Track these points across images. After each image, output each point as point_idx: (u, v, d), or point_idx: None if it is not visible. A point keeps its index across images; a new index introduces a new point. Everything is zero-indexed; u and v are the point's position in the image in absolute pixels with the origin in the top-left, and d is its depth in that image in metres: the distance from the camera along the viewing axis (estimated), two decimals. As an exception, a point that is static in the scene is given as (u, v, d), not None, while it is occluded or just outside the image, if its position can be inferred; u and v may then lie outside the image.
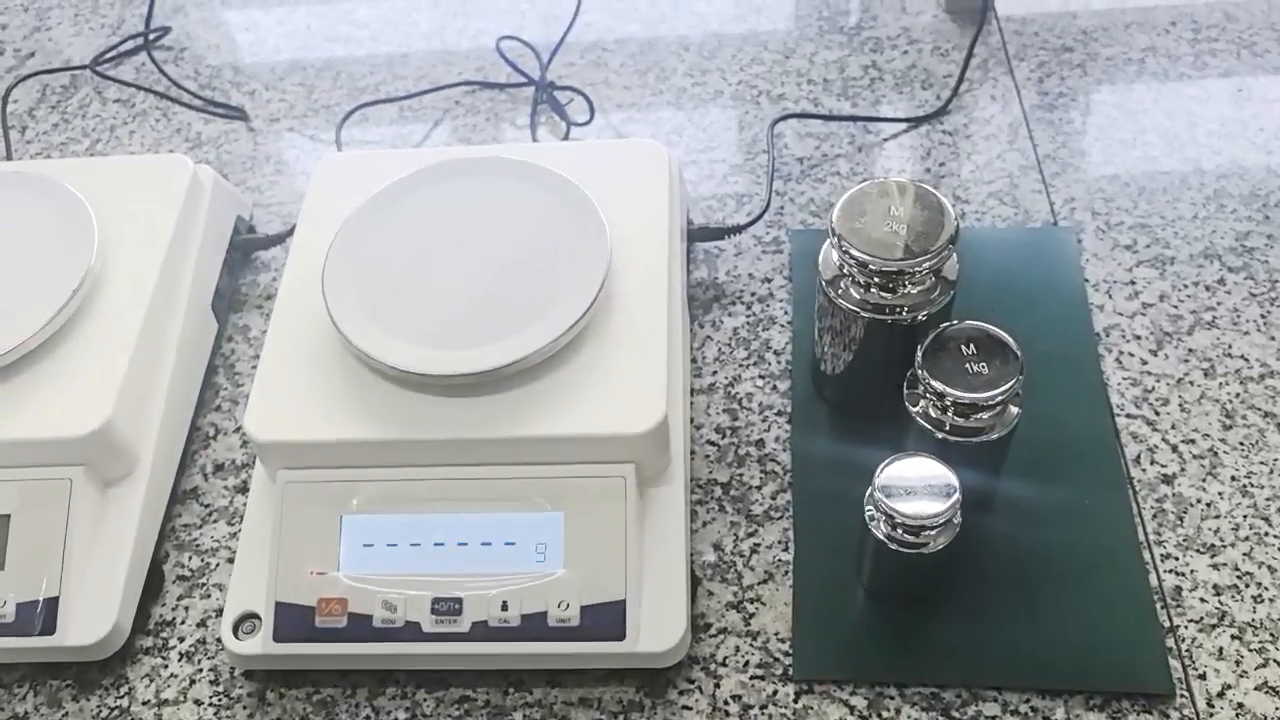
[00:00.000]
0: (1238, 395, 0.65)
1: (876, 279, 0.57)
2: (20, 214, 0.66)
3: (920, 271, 0.56)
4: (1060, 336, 0.68)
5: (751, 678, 0.57)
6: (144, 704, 0.58)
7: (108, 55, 0.94)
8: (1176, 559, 0.59)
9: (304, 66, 0.92)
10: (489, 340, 0.57)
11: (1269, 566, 0.58)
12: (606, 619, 0.54)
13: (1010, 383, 0.53)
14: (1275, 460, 0.62)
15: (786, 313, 0.71)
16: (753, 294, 0.73)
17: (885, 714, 0.55)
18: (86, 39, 0.97)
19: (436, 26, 0.95)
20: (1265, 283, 0.70)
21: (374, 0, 0.98)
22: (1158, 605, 0.57)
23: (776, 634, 0.58)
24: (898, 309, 0.57)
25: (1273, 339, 0.68)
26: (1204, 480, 0.62)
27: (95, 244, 0.64)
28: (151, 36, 0.95)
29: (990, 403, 0.54)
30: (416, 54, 0.92)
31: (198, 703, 0.58)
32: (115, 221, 0.66)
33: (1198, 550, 0.59)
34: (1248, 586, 0.58)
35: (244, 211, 0.77)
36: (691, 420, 0.66)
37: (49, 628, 0.56)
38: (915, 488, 0.52)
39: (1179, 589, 0.58)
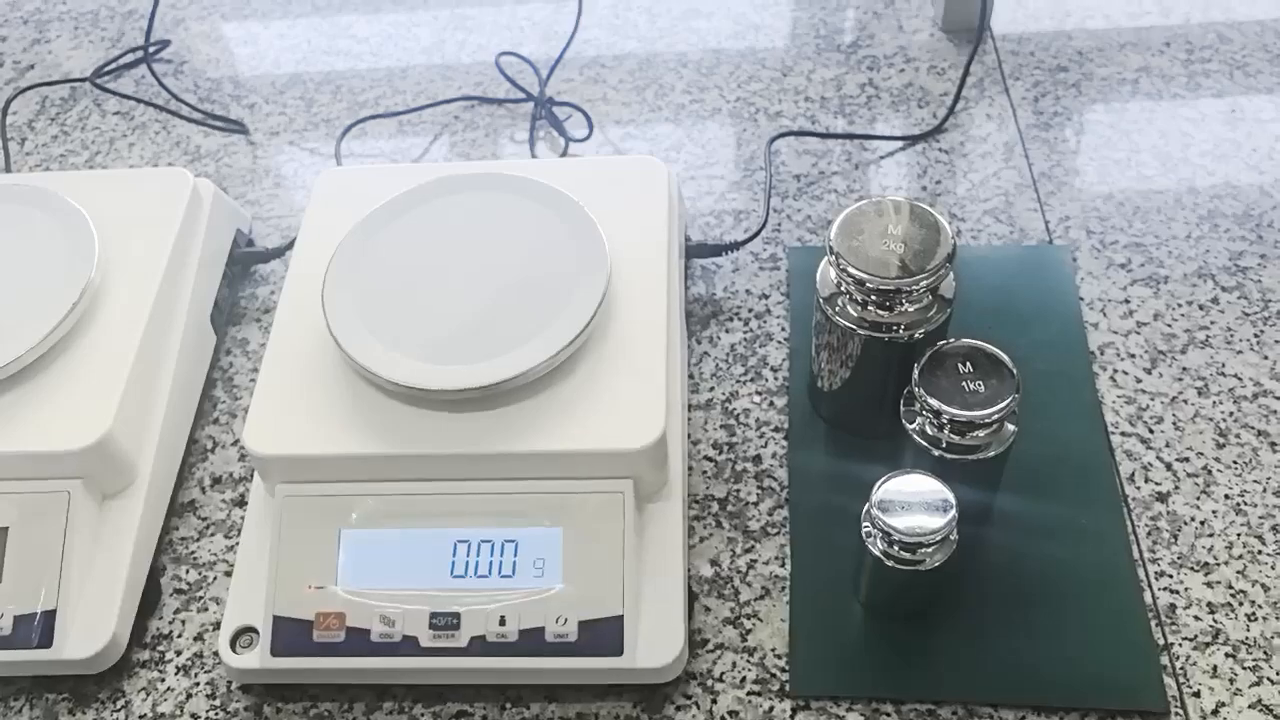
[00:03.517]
0: (1231, 414, 0.66)
1: (874, 297, 0.57)
2: (20, 226, 0.66)
3: (917, 290, 0.57)
4: (1055, 355, 0.69)
5: (748, 694, 0.57)
6: (140, 717, 0.58)
7: (107, 68, 0.95)
8: (1171, 577, 0.59)
9: (304, 80, 0.93)
10: (488, 355, 0.57)
11: (1262, 585, 0.59)
12: (604, 634, 0.54)
13: (1007, 401, 0.54)
14: (1269, 479, 0.63)
15: (784, 329, 0.72)
16: (750, 310, 0.73)
17: (881, 730, 0.55)
18: (86, 51, 0.97)
19: (436, 41, 0.95)
20: (1258, 302, 0.71)
21: (374, 15, 0.98)
22: (1152, 623, 0.57)
23: (773, 650, 0.58)
24: (895, 327, 0.58)
25: (1266, 358, 0.68)
26: (1198, 498, 0.62)
27: (95, 257, 0.64)
28: (151, 49, 0.96)
29: (987, 420, 0.54)
30: (416, 69, 0.93)
31: (194, 717, 0.58)
32: (115, 234, 0.66)
33: (1192, 568, 0.60)
34: (1241, 604, 0.58)
35: (243, 225, 0.77)
36: (689, 436, 0.66)
37: (46, 640, 0.56)
38: (912, 504, 0.52)
39: (1173, 607, 0.58)
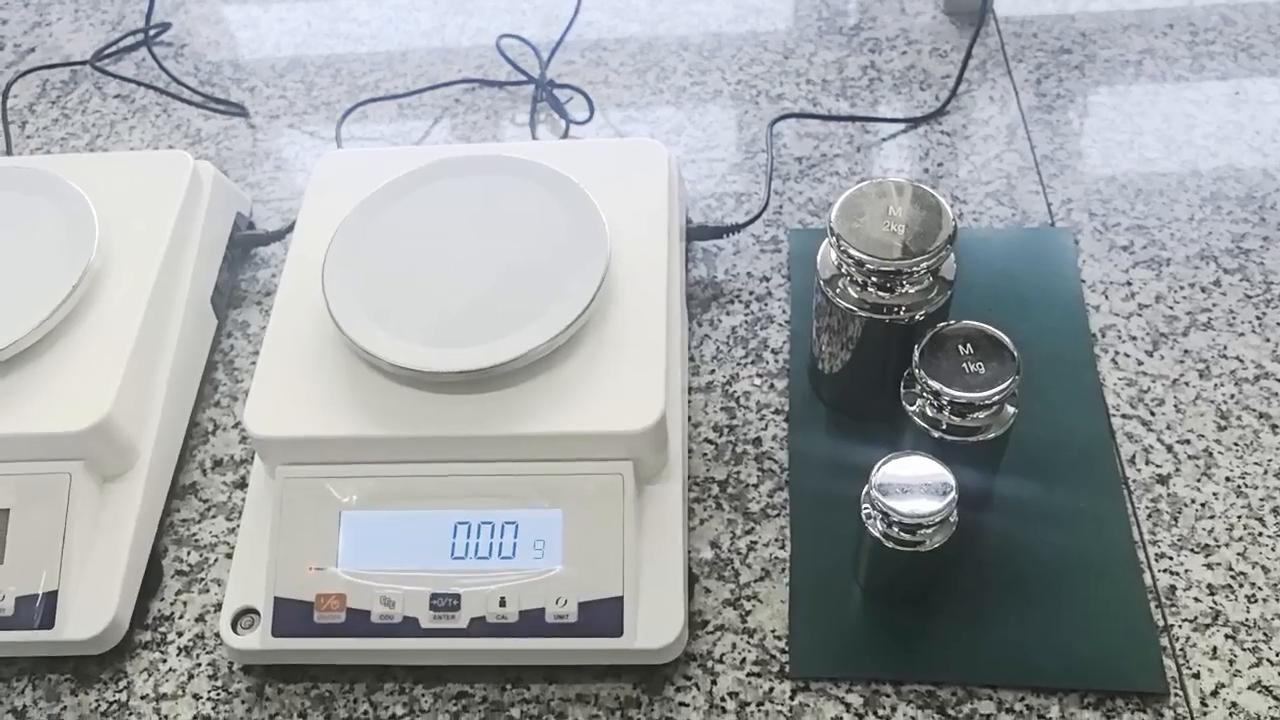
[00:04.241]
0: (1232, 396, 0.66)
1: (874, 278, 0.57)
2: (21, 209, 0.66)
3: (918, 271, 0.56)
4: (1057, 337, 0.68)
5: (748, 675, 0.57)
6: (142, 698, 0.58)
7: (108, 51, 0.95)
8: (1171, 559, 0.59)
9: (304, 63, 0.92)
10: (489, 337, 0.57)
11: (1263, 566, 0.59)
12: (604, 615, 0.54)
13: (1007, 382, 0.53)
14: (1269, 461, 0.63)
15: (784, 311, 0.72)
16: (751, 293, 0.73)
17: (881, 711, 0.55)
18: (87, 34, 0.97)
19: (437, 24, 0.95)
20: (1260, 284, 0.71)
21: (374, -2, 0.98)
22: (1152, 605, 0.57)
23: (773, 631, 0.58)
24: (895, 308, 0.58)
25: (1268, 340, 0.68)
26: (1199, 480, 0.62)
27: (96, 239, 0.64)
28: (152, 32, 0.95)
29: (987, 402, 0.54)
30: (416, 51, 0.93)
31: (196, 697, 0.58)
32: (116, 217, 0.66)
33: (1192, 550, 0.60)
34: (1241, 586, 0.58)
35: (244, 208, 0.77)
36: (689, 418, 0.66)
37: (48, 622, 0.56)
38: (912, 486, 0.52)
39: (1173, 588, 0.58)
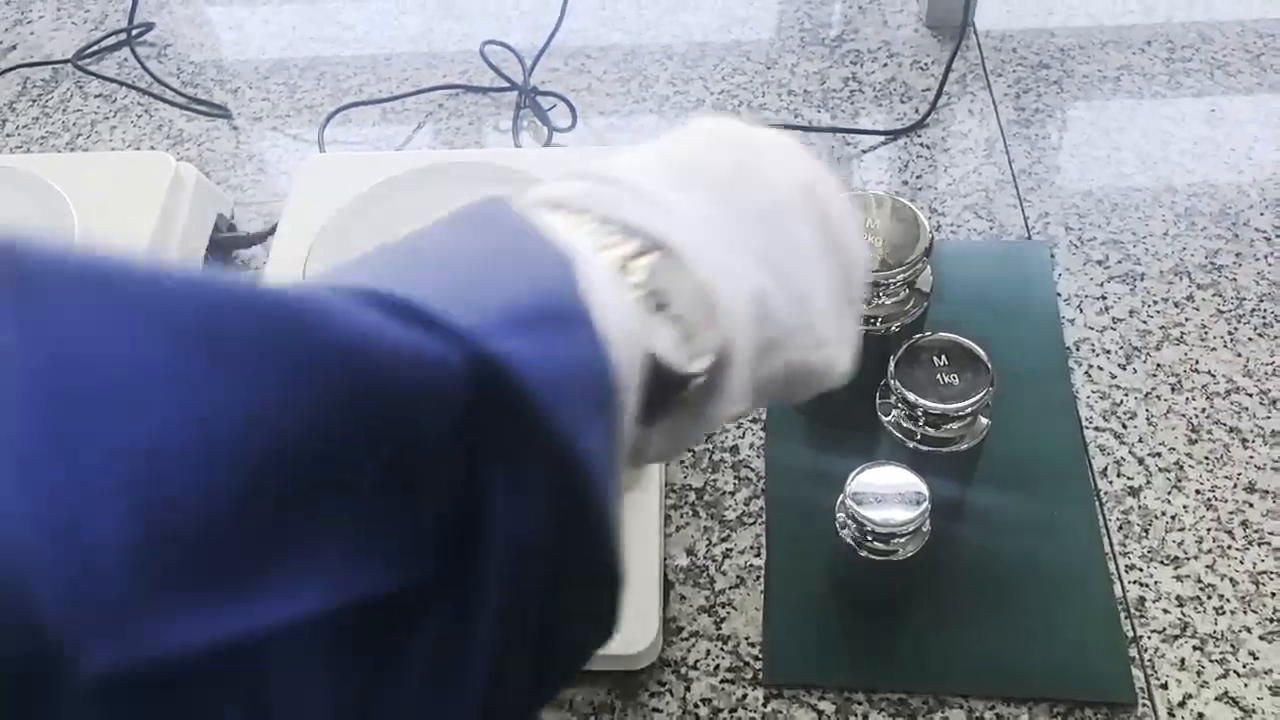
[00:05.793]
0: (1203, 410, 0.66)
1: (852, 289, 0.58)
2: None
3: (895, 283, 0.57)
4: (1031, 349, 0.69)
5: (721, 681, 0.57)
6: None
7: (90, 50, 0.94)
8: (1141, 570, 0.60)
9: (288, 66, 0.92)
10: (468, 343, 0.57)
11: (1231, 579, 0.59)
12: (579, 621, 0.54)
13: (981, 394, 0.54)
14: (1239, 475, 0.63)
15: (763, 321, 0.72)
16: (730, 302, 0.73)
17: (853, 719, 0.56)
18: (68, 33, 0.97)
19: (422, 29, 0.95)
20: (1233, 300, 0.72)
21: (361, 1, 0.98)
22: (1122, 615, 0.58)
23: (747, 638, 0.58)
24: (872, 320, 0.58)
25: (1239, 355, 0.69)
26: (1169, 493, 0.63)
27: (75, 239, 0.63)
28: (134, 32, 0.95)
29: (961, 414, 0.54)
30: (401, 56, 0.93)
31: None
32: (96, 217, 0.66)
33: (1161, 562, 0.60)
34: (1210, 598, 0.59)
35: (225, 210, 0.77)
36: (667, 426, 0.67)
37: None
38: (886, 496, 0.53)
39: (1143, 600, 0.59)
